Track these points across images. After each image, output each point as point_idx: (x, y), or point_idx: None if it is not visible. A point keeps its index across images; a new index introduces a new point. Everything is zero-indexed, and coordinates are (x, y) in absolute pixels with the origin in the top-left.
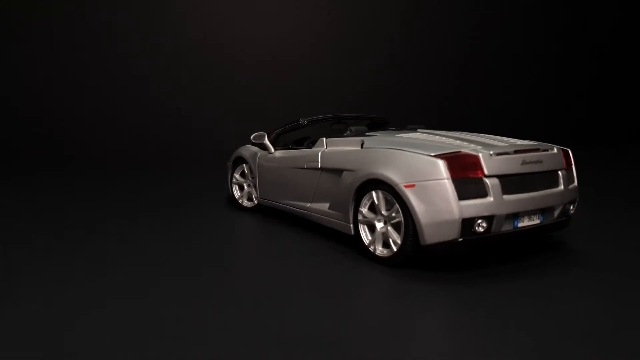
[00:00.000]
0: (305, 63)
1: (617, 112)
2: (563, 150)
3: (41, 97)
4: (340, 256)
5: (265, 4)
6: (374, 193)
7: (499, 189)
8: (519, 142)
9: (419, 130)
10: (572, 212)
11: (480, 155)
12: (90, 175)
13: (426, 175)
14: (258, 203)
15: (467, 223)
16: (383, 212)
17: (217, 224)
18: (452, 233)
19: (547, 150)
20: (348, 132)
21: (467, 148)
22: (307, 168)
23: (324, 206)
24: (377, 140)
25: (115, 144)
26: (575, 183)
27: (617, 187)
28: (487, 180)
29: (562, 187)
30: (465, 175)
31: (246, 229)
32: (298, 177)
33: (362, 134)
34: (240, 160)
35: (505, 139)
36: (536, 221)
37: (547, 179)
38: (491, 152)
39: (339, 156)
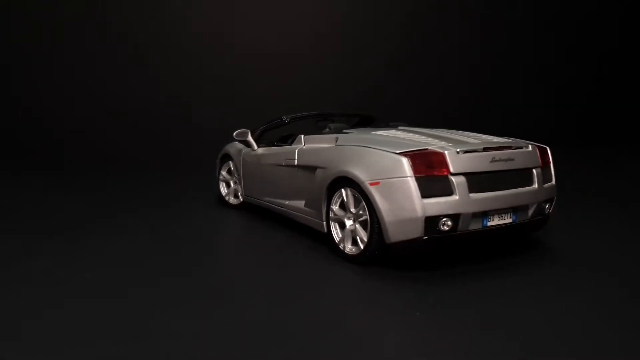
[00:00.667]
0: (306, 63)
1: (622, 112)
2: (540, 148)
3: (41, 96)
4: (312, 253)
5: (266, 4)
6: (343, 191)
7: (465, 187)
8: (495, 139)
9: (399, 127)
10: (548, 211)
11: (446, 152)
12: (89, 175)
13: (390, 172)
14: (243, 200)
15: (431, 221)
16: (352, 209)
17: (199, 221)
18: (416, 231)
19: (521, 147)
20: (327, 129)
21: (435, 145)
22: (285, 165)
23: (301, 204)
24: (351, 138)
25: (118, 143)
26: (553, 181)
27: (613, 187)
28: (452, 178)
29: (536, 185)
30: (430, 173)
31: (224, 225)
32: (277, 174)
33: (339, 131)
34: (227, 157)
35: (483, 136)
36: (508, 220)
37: (519, 177)
38: (458, 150)
39: (313, 153)
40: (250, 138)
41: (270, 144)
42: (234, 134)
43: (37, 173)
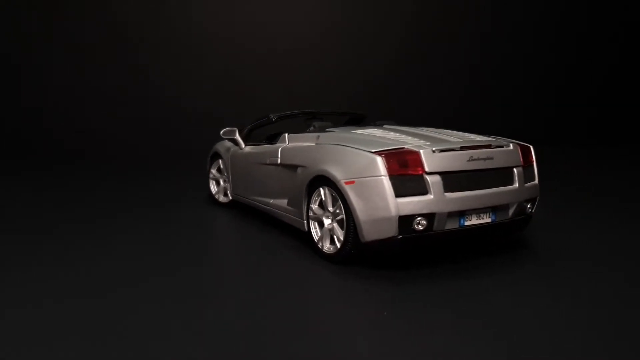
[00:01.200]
0: (307, 62)
1: (624, 111)
2: (522, 146)
3: (42, 95)
4: (292, 253)
5: (268, 3)
6: (321, 190)
7: (440, 186)
8: (477, 137)
9: (385, 126)
10: (530, 210)
11: (421, 151)
12: (90, 174)
13: (365, 171)
14: (232, 199)
15: (405, 220)
16: (330, 208)
17: (185, 220)
18: (390, 230)
19: (501, 146)
20: (312, 127)
21: (412, 144)
22: (269, 164)
23: (284, 202)
24: (331, 137)
25: (119, 142)
26: (536, 181)
27: (613, 187)
28: (427, 177)
29: (517, 184)
30: (405, 172)
31: (209, 225)
32: (262, 173)
33: (323, 129)
34: (217, 155)
35: (466, 135)
36: (487, 220)
37: (499, 176)
38: (434, 149)
39: (294, 152)
40: (237, 136)
41: (257, 142)
42: (221, 132)
43: (36, 172)
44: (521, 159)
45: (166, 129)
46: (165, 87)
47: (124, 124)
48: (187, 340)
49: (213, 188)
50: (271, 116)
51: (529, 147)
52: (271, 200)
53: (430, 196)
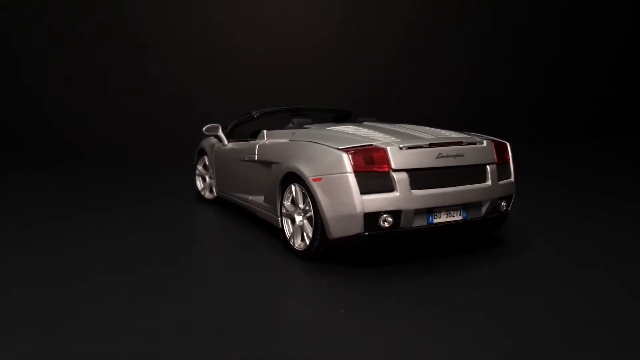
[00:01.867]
0: (308, 61)
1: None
2: (497, 143)
3: (44, 91)
4: (265, 250)
5: (275, 4)
6: (292, 186)
7: (407, 183)
8: (453, 134)
9: (365, 122)
10: (504, 208)
11: (388, 148)
12: (88, 170)
13: (331, 168)
14: (217, 195)
15: (371, 217)
16: (300, 205)
17: (168, 216)
18: (356, 227)
19: (474, 143)
20: (291, 124)
21: (381, 141)
22: (247, 160)
23: (261, 199)
24: (305, 133)
25: (120, 140)
26: (512, 178)
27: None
28: (394, 175)
29: (489, 182)
30: (370, 169)
31: (189, 221)
32: (241, 169)
33: (301, 126)
34: (203, 152)
35: (443, 131)
36: (457, 217)
37: (470, 173)
38: (401, 146)
39: (270, 149)
40: (220, 133)
41: (239, 138)
42: (204, 128)
43: (38, 168)
44: (495, 156)
45: (167, 125)
46: (168, 84)
47: (124, 121)
48: (142, 338)
49: (199, 184)
50: (253, 113)
51: (505, 144)
52: (250, 197)
53: (396, 193)
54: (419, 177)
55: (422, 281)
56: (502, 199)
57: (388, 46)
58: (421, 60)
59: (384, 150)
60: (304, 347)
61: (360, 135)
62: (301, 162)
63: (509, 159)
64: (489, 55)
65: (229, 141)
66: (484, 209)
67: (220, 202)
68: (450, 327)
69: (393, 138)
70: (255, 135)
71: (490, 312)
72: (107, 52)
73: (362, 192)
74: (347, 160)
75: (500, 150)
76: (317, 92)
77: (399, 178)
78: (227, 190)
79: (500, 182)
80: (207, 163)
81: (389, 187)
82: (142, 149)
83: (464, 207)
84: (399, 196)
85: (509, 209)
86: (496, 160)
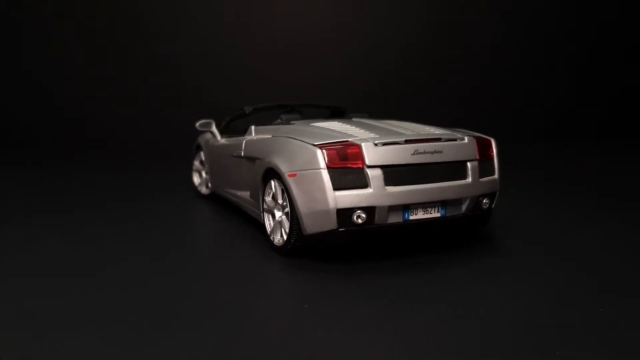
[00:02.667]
0: (316, 58)
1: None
2: (480, 140)
3: (45, 88)
4: (248, 245)
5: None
6: (272, 182)
7: (381, 179)
8: (436, 131)
9: (353, 118)
10: (486, 205)
11: (362, 145)
12: (101, 164)
13: (306, 164)
14: (212, 191)
15: (344, 213)
16: (279, 201)
17: (160, 211)
18: (330, 223)
19: (454, 140)
20: (279, 120)
21: (358, 137)
22: (235, 156)
23: (247, 194)
24: (288, 129)
25: (132, 135)
26: (495, 175)
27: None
28: (368, 171)
29: (469, 179)
30: (344, 165)
31: (179, 215)
32: (230, 165)
33: (287, 122)
34: (199, 147)
35: (427, 128)
36: (435, 214)
37: (449, 170)
38: (377, 142)
39: (254, 145)
40: (214, 129)
41: (231, 134)
42: (197, 124)
43: (37, 163)
44: (477, 153)
45: (175, 122)
46: (182, 79)
47: (137, 117)
48: (110, 330)
49: (196, 180)
50: (246, 109)
51: (490, 141)
52: (238, 192)
53: (369, 190)
54: (394, 174)
55: (392, 279)
56: (484, 196)
57: (395, 46)
58: (428, 60)
59: (359, 147)
60: (269, 342)
61: (339, 132)
62: (279, 158)
63: (493, 155)
64: (496, 56)
65: (222, 137)
66: (464, 206)
67: (215, 197)
68: (409, 322)
69: (373, 134)
70: (245, 131)
71: (457, 309)
72: (112, 47)
73: (336, 188)
74: (321, 156)
75: (483, 146)
76: (326, 89)
77: (373, 174)
78: (219, 185)
79: (482, 179)
80: (203, 159)
81: (363, 183)
82: (148, 143)
83: (442, 204)
84: (373, 192)
85: (493, 206)
86: (478, 157)
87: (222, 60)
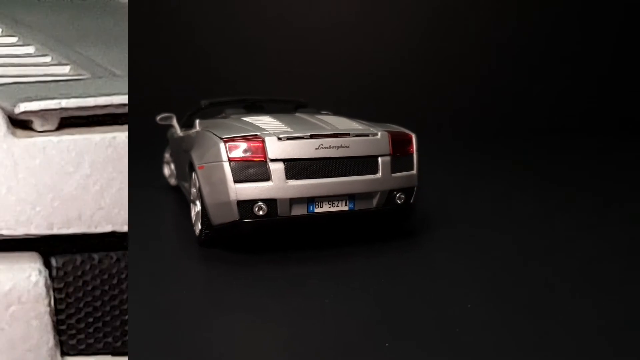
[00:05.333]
0: (321, 62)
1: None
2: (395, 135)
3: None
4: (176, 235)
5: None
6: (193, 174)
7: (282, 173)
8: (360, 126)
9: (297, 113)
10: (401, 200)
11: (266, 139)
12: None
13: (211, 157)
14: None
15: (245, 205)
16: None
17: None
18: (232, 215)
19: (366, 135)
20: (223, 114)
21: (267, 132)
22: (183, 149)
23: (187, 186)
24: (217, 123)
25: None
26: (414, 171)
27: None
28: (270, 164)
29: (380, 174)
30: (246, 158)
31: (135, 205)
32: (180, 158)
33: (228, 115)
34: (168, 140)
35: (349, 122)
36: (343, 207)
37: (357, 164)
38: (280, 136)
39: (188, 138)
40: (174, 122)
41: (186, 128)
42: (158, 118)
43: None
44: (390, 148)
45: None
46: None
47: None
48: None
49: (166, 171)
50: (202, 102)
51: (410, 136)
52: (185, 184)
53: (270, 183)
54: (296, 167)
55: (293, 270)
56: (398, 190)
57: (398, 45)
58: (433, 59)
59: (262, 141)
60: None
61: (257, 126)
62: (195, 151)
63: (412, 151)
64: (496, 55)
65: (181, 130)
66: (375, 201)
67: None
68: (305, 315)
69: (288, 129)
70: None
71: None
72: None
73: (237, 181)
74: (223, 149)
75: (400, 142)
76: (326, 90)
77: (274, 168)
78: (177, 177)
79: (394, 174)
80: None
81: (265, 176)
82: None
83: (349, 197)
84: (273, 185)
85: (412, 201)
86: (390, 152)
87: (219, 57)
